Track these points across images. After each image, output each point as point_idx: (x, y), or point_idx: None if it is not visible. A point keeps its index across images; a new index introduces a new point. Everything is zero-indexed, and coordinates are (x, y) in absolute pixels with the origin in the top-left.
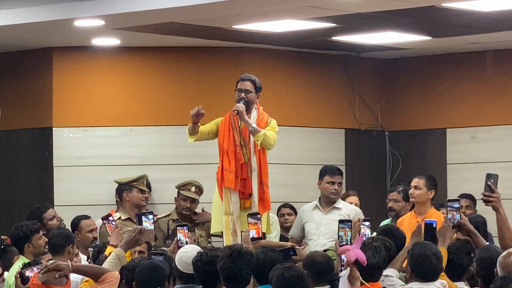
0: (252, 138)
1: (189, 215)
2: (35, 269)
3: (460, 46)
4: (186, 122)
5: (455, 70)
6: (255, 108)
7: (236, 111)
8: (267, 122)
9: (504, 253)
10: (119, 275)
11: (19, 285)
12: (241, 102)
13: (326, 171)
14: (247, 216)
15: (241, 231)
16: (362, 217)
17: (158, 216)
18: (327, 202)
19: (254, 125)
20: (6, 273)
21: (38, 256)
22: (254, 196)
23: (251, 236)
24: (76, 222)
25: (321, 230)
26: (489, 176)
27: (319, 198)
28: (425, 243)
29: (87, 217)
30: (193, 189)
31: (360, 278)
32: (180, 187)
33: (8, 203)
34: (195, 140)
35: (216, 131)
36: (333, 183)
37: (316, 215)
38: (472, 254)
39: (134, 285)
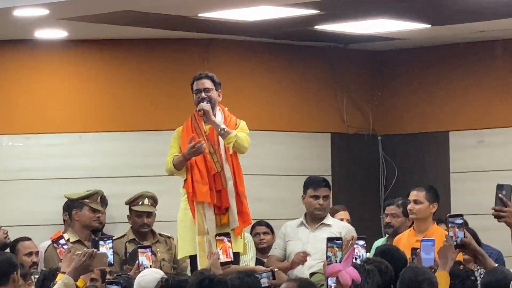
0: (221, 143)
1: (147, 232)
2: None
3: (465, 35)
4: (144, 127)
5: (459, 64)
6: (219, 109)
7: (201, 111)
8: (236, 124)
9: None
10: None
11: None
12: (205, 102)
13: (309, 183)
14: (215, 236)
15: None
16: (355, 235)
17: (115, 237)
18: (314, 218)
19: (223, 126)
20: None
21: None
22: (233, 209)
23: (220, 260)
24: (14, 244)
25: (308, 249)
26: (500, 187)
27: (305, 214)
28: (417, 266)
29: (27, 239)
30: (146, 201)
31: None
32: (130, 203)
33: None
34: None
35: None
36: (317, 197)
37: (301, 233)
38: (473, 277)
39: None
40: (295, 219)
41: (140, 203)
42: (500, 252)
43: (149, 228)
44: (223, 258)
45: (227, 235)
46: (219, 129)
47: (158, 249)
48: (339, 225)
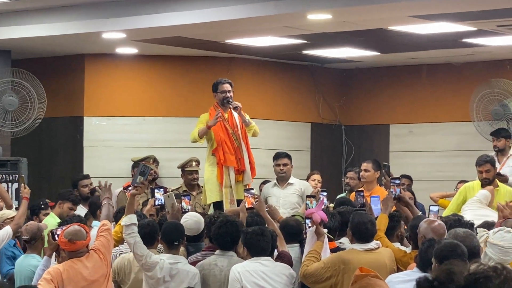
0: (238, 126)
1: (195, 185)
2: (63, 227)
3: (401, 60)
4: (186, 115)
5: (397, 79)
6: None
7: (237, 107)
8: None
9: (426, 220)
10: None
11: (50, 240)
12: (230, 101)
13: (274, 156)
14: (243, 191)
15: (237, 200)
16: (311, 189)
17: (172, 188)
18: (281, 180)
19: (248, 117)
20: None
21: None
22: (247, 171)
23: (246, 206)
24: (76, 182)
25: (281, 202)
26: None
27: (276, 178)
28: (363, 213)
29: (85, 177)
30: (193, 164)
31: (326, 233)
32: (183, 166)
33: (49, 175)
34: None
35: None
36: (278, 165)
37: (275, 191)
38: (402, 221)
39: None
40: (272, 181)
41: (190, 165)
42: (423, 205)
43: (197, 181)
44: (247, 205)
45: (250, 191)
46: (246, 120)
47: (202, 197)
48: (300, 183)
